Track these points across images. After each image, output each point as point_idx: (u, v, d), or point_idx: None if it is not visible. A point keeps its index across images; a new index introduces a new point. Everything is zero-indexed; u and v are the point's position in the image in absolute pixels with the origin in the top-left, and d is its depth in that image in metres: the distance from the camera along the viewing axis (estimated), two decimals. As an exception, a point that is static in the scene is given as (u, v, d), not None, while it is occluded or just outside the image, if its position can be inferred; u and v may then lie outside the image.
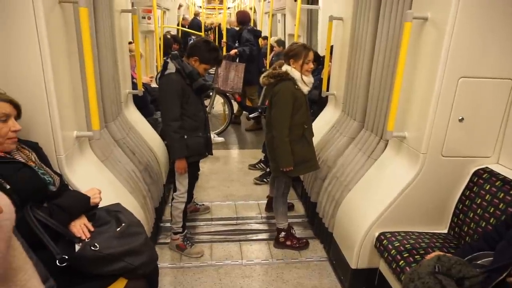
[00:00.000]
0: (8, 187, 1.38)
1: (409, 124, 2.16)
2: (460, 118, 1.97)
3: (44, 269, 1.28)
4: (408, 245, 1.97)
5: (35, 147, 1.67)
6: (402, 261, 1.89)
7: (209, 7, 15.46)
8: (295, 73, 2.48)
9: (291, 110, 2.46)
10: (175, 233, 2.73)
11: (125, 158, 2.63)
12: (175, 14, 7.87)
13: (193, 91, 2.46)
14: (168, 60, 2.45)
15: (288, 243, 2.83)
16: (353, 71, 2.94)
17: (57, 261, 1.42)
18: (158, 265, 1.86)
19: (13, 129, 1.49)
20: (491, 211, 1.87)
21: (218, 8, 14.54)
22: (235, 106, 5.99)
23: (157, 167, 3.12)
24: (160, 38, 5.28)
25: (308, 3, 5.49)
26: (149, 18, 4.73)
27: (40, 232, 1.42)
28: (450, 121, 1.97)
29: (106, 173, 2.25)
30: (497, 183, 1.91)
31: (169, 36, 6.06)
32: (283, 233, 2.83)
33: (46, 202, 1.57)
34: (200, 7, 14.10)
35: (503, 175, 1.93)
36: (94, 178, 2.09)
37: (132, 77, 3.42)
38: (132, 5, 3.65)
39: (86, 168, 2.07)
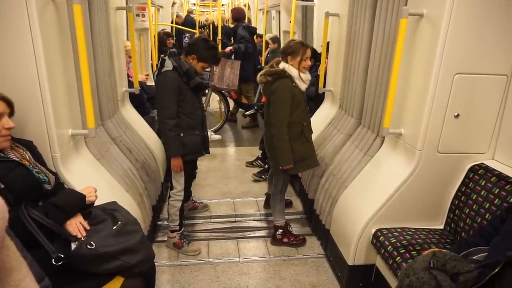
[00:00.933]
0: (2, 186, 1.37)
1: (405, 121, 2.16)
2: (456, 114, 1.97)
3: (39, 268, 1.27)
4: (405, 241, 1.98)
5: (29, 146, 1.66)
6: (398, 257, 1.89)
7: (202, 4, 15.40)
8: (292, 70, 2.47)
9: (289, 108, 2.45)
10: (172, 231, 2.73)
11: (121, 156, 2.62)
12: (169, 11, 7.83)
13: (190, 89, 2.45)
14: (166, 57, 2.43)
15: (285, 240, 2.83)
16: (349, 68, 2.94)
17: (53, 260, 1.42)
18: (155, 263, 1.86)
19: (7, 126, 1.48)
20: (486, 206, 1.88)
21: (212, 6, 14.50)
22: (231, 104, 5.98)
23: (154, 165, 3.11)
24: (154, 36, 5.26)
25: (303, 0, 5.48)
26: (143, 15, 4.71)
27: (35, 231, 1.42)
28: (446, 118, 1.98)
29: (102, 172, 2.25)
30: (492, 179, 1.91)
31: (162, 34, 6.03)
32: (280, 231, 2.84)
33: (41, 201, 1.57)
34: (194, 4, 14.04)
35: (498, 171, 1.94)
36: (90, 176, 2.08)
37: (128, 76, 3.40)
38: (126, 3, 3.62)
39: (82, 167, 2.06)
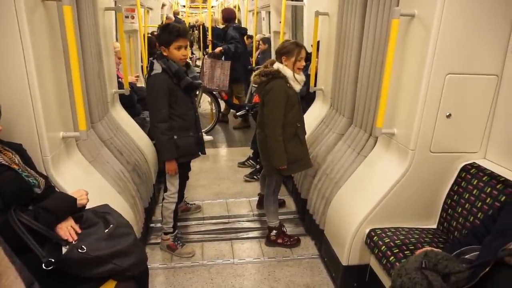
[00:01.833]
0: None
1: (397, 121, 2.17)
2: (448, 114, 1.99)
3: (29, 273, 1.25)
4: (398, 241, 1.99)
5: (19, 149, 1.63)
6: (392, 257, 1.90)
7: (192, 6, 15.39)
8: (287, 71, 2.46)
9: (283, 109, 2.45)
10: (166, 233, 2.71)
11: (113, 158, 2.60)
12: (159, 13, 7.79)
13: (181, 90, 2.42)
14: (154, 60, 2.41)
15: (280, 241, 2.83)
16: (340, 67, 2.94)
17: (43, 264, 1.39)
18: (149, 266, 1.84)
19: None
20: (478, 205, 1.89)
21: (202, 7, 14.51)
22: (222, 105, 5.97)
23: (146, 167, 3.09)
24: (144, 36, 5.23)
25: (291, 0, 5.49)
26: (132, 17, 4.68)
27: (24, 236, 1.39)
28: (438, 118, 1.99)
29: (94, 174, 2.22)
30: (484, 178, 1.93)
31: (150, 35, 5.99)
32: (274, 231, 2.83)
33: (31, 205, 1.54)
34: (184, 6, 14.03)
35: (490, 170, 1.95)
36: (82, 179, 2.06)
37: (118, 77, 3.38)
38: (115, 4, 3.60)
39: (73, 170, 2.04)
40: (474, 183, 1.96)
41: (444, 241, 2.01)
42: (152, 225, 3.08)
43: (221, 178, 4.07)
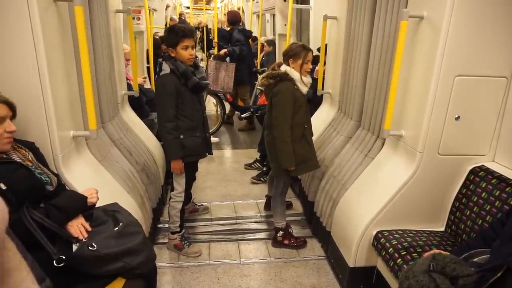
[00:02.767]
0: (4, 187, 1.38)
1: (405, 123, 2.17)
2: (456, 116, 1.98)
3: (40, 269, 1.28)
4: (406, 243, 1.98)
5: (31, 147, 1.66)
6: (399, 259, 1.89)
7: (195, 7, 15.52)
8: (294, 73, 2.48)
9: (291, 110, 2.46)
10: (173, 233, 2.73)
11: (122, 158, 2.63)
12: (163, 14, 7.84)
13: (189, 90, 2.45)
14: (163, 61, 2.43)
15: (286, 242, 2.83)
16: (348, 70, 2.95)
17: (54, 261, 1.42)
18: (156, 265, 1.86)
19: (8, 129, 1.48)
20: (487, 208, 1.88)
21: (206, 9, 14.62)
22: (227, 106, 6.00)
23: (154, 168, 3.12)
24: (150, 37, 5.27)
25: (298, 3, 5.50)
26: (138, 18, 4.72)
27: (36, 233, 1.42)
28: (446, 120, 1.98)
29: (103, 173, 2.25)
30: (493, 181, 1.92)
31: (157, 37, 6.04)
32: (281, 232, 2.84)
33: (43, 202, 1.57)
34: (188, 7, 14.14)
35: (498, 173, 1.94)
36: (92, 178, 2.09)
37: (126, 79, 3.41)
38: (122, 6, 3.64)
39: (83, 168, 2.07)
40: (483, 186, 1.95)
41: (452, 244, 2.00)
42: (160, 225, 3.10)
43: (228, 180, 4.08)
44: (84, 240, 1.52)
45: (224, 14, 11.70)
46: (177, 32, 2.35)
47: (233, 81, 5.39)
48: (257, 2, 7.04)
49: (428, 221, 2.21)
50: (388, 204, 2.15)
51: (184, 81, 2.41)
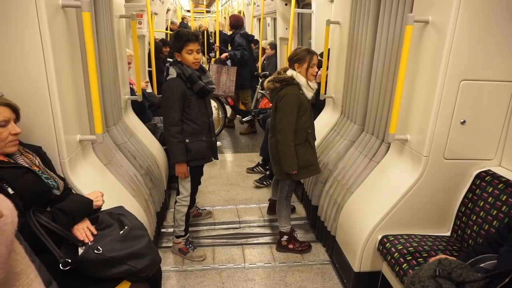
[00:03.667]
0: (11, 192, 1.39)
1: (411, 127, 2.16)
2: (462, 120, 1.97)
3: (47, 272, 1.28)
4: (411, 248, 1.97)
5: (38, 151, 1.67)
6: (405, 264, 1.88)
7: (196, 10, 15.66)
8: (301, 78, 2.49)
9: (296, 115, 2.47)
10: (178, 237, 2.73)
11: (126, 162, 2.64)
12: (164, 18, 7.89)
13: (195, 94, 2.46)
14: (170, 65, 2.46)
15: (291, 246, 2.82)
16: (352, 74, 2.95)
17: (60, 264, 1.42)
18: (161, 269, 1.86)
19: (13, 132, 1.49)
20: (494, 213, 1.86)
21: (206, 12, 14.73)
22: (228, 110, 6.01)
23: (158, 172, 3.12)
24: (149, 43, 5.31)
25: (299, 7, 5.52)
26: (140, 22, 4.76)
27: (43, 236, 1.42)
28: (452, 124, 1.98)
29: (109, 177, 2.26)
30: (499, 186, 1.90)
31: (158, 41, 6.07)
32: (285, 237, 2.83)
33: (49, 206, 1.58)
34: (188, 11, 14.25)
35: (505, 178, 1.93)
36: (97, 181, 2.09)
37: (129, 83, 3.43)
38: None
39: (89, 172, 2.08)
40: (489, 190, 1.94)
41: (458, 249, 1.99)
42: (163, 230, 3.10)
43: (230, 184, 4.09)
44: (89, 243, 1.52)
45: (224, 18, 11.77)
46: (182, 36, 2.38)
47: (235, 85, 5.41)
48: (258, 6, 7.08)
49: (434, 226, 2.20)
50: (394, 209, 2.14)
51: (190, 85, 2.42)
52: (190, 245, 2.76)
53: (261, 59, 6.41)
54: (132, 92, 3.39)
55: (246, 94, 5.86)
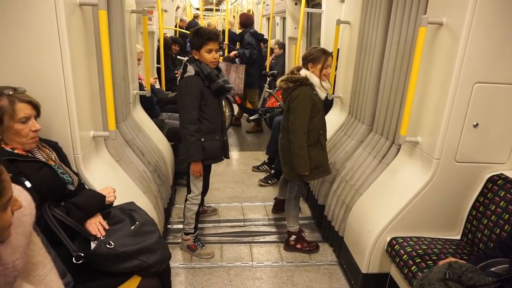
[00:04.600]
0: (29, 185, 1.42)
1: (422, 129, 2.15)
2: (475, 124, 1.96)
3: (62, 264, 1.31)
4: (420, 251, 1.96)
5: (55, 147, 1.70)
6: (414, 267, 1.88)
7: (205, 8, 15.72)
8: (314, 78, 2.47)
9: (309, 116, 2.46)
10: (187, 234, 2.75)
11: (136, 158, 2.66)
12: (173, 15, 7.92)
13: (212, 93, 2.46)
14: (187, 63, 2.45)
15: (299, 246, 2.83)
16: (361, 75, 2.94)
17: (74, 258, 1.45)
18: (170, 265, 1.88)
19: (33, 129, 1.52)
20: (505, 217, 1.85)
21: (216, 10, 14.76)
22: (235, 108, 6.02)
23: (164, 168, 3.14)
24: (158, 39, 5.34)
25: (309, 6, 5.51)
26: (149, 19, 4.78)
27: (57, 230, 1.45)
28: (465, 127, 1.96)
29: (120, 173, 2.29)
30: None
31: (167, 38, 6.10)
32: (293, 236, 2.83)
33: (63, 200, 1.61)
34: (198, 9, 14.31)
35: (518, 182, 1.91)
36: (110, 177, 2.12)
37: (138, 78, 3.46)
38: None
39: (101, 168, 2.11)
40: (501, 194, 1.93)
41: (468, 253, 1.97)
42: (169, 226, 3.13)
43: (236, 181, 4.10)
44: (101, 238, 1.55)
45: (233, 16, 11.78)
46: (202, 34, 2.37)
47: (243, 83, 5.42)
48: (267, 5, 7.08)
49: (444, 229, 2.18)
50: (403, 211, 2.14)
51: (208, 84, 2.42)
52: (199, 243, 2.78)
53: (269, 58, 6.42)
54: (141, 87, 3.41)
55: (254, 92, 5.87)
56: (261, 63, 5.85)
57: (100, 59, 2.04)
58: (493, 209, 1.94)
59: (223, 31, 6.92)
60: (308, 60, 2.49)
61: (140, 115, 3.29)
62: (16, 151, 1.49)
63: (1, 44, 1.65)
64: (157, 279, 1.66)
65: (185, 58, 4.66)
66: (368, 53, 2.81)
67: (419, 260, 1.90)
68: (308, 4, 5.49)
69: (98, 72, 2.13)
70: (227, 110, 5.76)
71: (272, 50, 6.60)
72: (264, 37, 6.20)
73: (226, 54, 5.95)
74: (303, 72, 2.50)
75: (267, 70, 6.12)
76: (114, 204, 1.77)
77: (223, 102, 5.72)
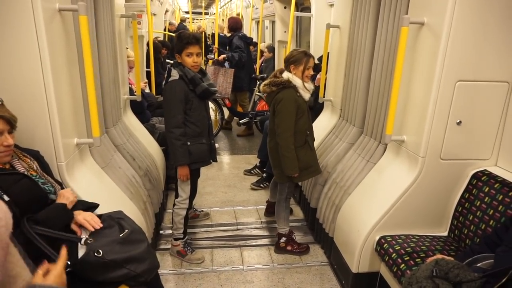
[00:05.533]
0: (7, 199, 1.38)
1: (407, 128, 2.17)
2: (458, 121, 1.99)
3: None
4: (409, 248, 1.98)
5: (36, 155, 1.67)
6: (403, 264, 1.89)
7: (194, 11, 15.73)
8: (296, 80, 2.49)
9: (294, 118, 2.47)
10: (176, 239, 2.72)
11: (125, 163, 2.64)
12: (162, 19, 7.90)
13: (197, 96, 2.45)
14: (172, 67, 2.45)
15: (289, 248, 2.83)
16: (351, 78, 2.96)
17: None
18: (159, 272, 1.86)
19: (6, 143, 1.48)
20: (490, 213, 1.88)
21: (204, 13, 14.78)
22: (226, 112, 6.01)
23: (156, 173, 3.12)
24: (147, 43, 5.32)
25: (298, 10, 5.55)
26: (138, 23, 4.76)
27: (38, 242, 1.41)
28: (448, 125, 1.99)
29: (106, 180, 2.25)
30: (496, 186, 1.92)
31: (156, 41, 6.07)
32: (283, 238, 2.83)
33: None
34: (187, 12, 14.31)
35: (501, 177, 1.94)
36: (95, 185, 2.09)
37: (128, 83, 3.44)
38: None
39: (86, 176, 2.07)
40: (486, 190, 1.95)
41: (455, 249, 2.00)
42: (161, 231, 3.10)
43: (228, 185, 4.09)
44: (90, 241, 1.51)
45: (223, 20, 11.79)
46: (182, 38, 2.38)
47: (233, 87, 5.42)
48: (256, 8, 7.11)
49: (431, 226, 2.21)
50: (391, 209, 2.15)
51: (192, 87, 2.42)
52: (189, 248, 2.75)
53: (259, 61, 6.43)
54: (131, 92, 3.39)
55: (244, 96, 5.88)
56: (250, 67, 5.86)
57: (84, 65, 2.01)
58: (478, 205, 1.96)
59: (213, 34, 6.92)
60: (290, 62, 2.50)
61: (131, 120, 3.27)
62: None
63: (-22, 52, 1.62)
64: (145, 288, 1.63)
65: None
66: (358, 56, 2.83)
67: (408, 258, 1.92)
68: (297, 8, 5.54)
69: (82, 78, 2.10)
70: (217, 114, 5.74)
71: (262, 53, 6.63)
72: (254, 40, 6.21)
73: (216, 57, 5.95)
74: (286, 75, 2.51)
75: (257, 73, 6.13)
76: (102, 212, 1.74)
77: (214, 106, 5.75)
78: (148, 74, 5.01)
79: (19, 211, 1.41)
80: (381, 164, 2.42)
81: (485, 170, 2.05)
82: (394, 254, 1.98)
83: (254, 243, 2.99)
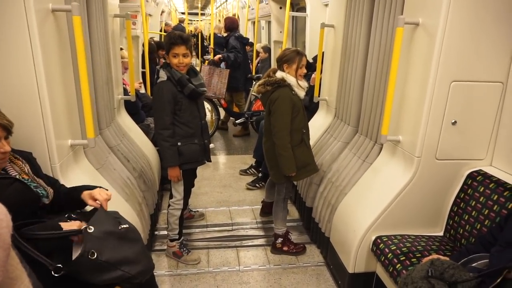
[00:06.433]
0: None
1: (403, 128, 2.18)
2: (453, 121, 1.99)
3: (37, 280, 1.26)
4: (405, 248, 1.98)
5: (29, 158, 1.64)
6: (399, 265, 1.89)
7: (191, 12, 15.73)
8: (291, 78, 2.49)
9: (290, 116, 2.47)
10: (172, 240, 2.71)
11: (120, 165, 2.62)
12: (158, 20, 7.88)
13: (186, 97, 2.44)
14: (160, 68, 2.44)
15: (285, 248, 2.82)
16: (346, 77, 2.96)
17: (52, 271, 1.40)
18: (155, 273, 1.85)
19: (2, 150, 1.46)
20: (485, 213, 1.88)
21: (201, 14, 14.78)
22: (222, 112, 6.01)
23: (150, 173, 3.11)
24: (143, 44, 5.30)
25: (293, 10, 5.56)
26: (134, 23, 4.73)
27: (28, 250, 1.39)
28: (443, 125, 1.99)
29: (101, 182, 2.23)
30: (491, 185, 1.93)
31: (152, 42, 6.05)
32: (280, 239, 2.83)
33: (38, 214, 1.55)
34: (183, 13, 14.29)
35: (496, 177, 1.95)
36: (89, 186, 2.07)
37: (122, 83, 3.42)
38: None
39: (81, 177, 2.05)
40: (481, 190, 1.96)
41: (451, 249, 2.00)
42: (156, 232, 3.08)
43: (223, 185, 4.08)
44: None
45: (219, 21, 11.78)
46: (169, 39, 2.37)
47: (228, 87, 5.41)
48: (252, 9, 7.10)
49: (427, 225, 2.21)
50: (387, 209, 2.15)
51: (180, 88, 2.41)
52: (184, 249, 2.74)
53: (255, 62, 6.43)
54: (125, 92, 3.37)
55: (240, 96, 5.87)
56: (246, 67, 5.85)
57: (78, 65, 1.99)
58: (473, 204, 1.97)
59: (210, 35, 6.92)
60: (283, 61, 2.50)
61: (125, 120, 3.25)
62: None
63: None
64: (140, 290, 1.62)
65: None
66: (352, 56, 2.83)
67: (404, 258, 1.92)
68: (292, 8, 5.54)
69: (76, 79, 2.08)
70: (213, 114, 5.73)
71: (258, 53, 6.63)
72: (250, 40, 6.20)
73: (212, 57, 5.94)
74: (279, 74, 2.50)
75: (253, 73, 6.12)
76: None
77: (210, 106, 5.73)
78: (143, 74, 5.00)
79: (11, 215, 1.39)
80: (377, 164, 2.43)
81: (480, 170, 2.06)
82: (390, 254, 1.98)
83: (250, 244, 2.98)
